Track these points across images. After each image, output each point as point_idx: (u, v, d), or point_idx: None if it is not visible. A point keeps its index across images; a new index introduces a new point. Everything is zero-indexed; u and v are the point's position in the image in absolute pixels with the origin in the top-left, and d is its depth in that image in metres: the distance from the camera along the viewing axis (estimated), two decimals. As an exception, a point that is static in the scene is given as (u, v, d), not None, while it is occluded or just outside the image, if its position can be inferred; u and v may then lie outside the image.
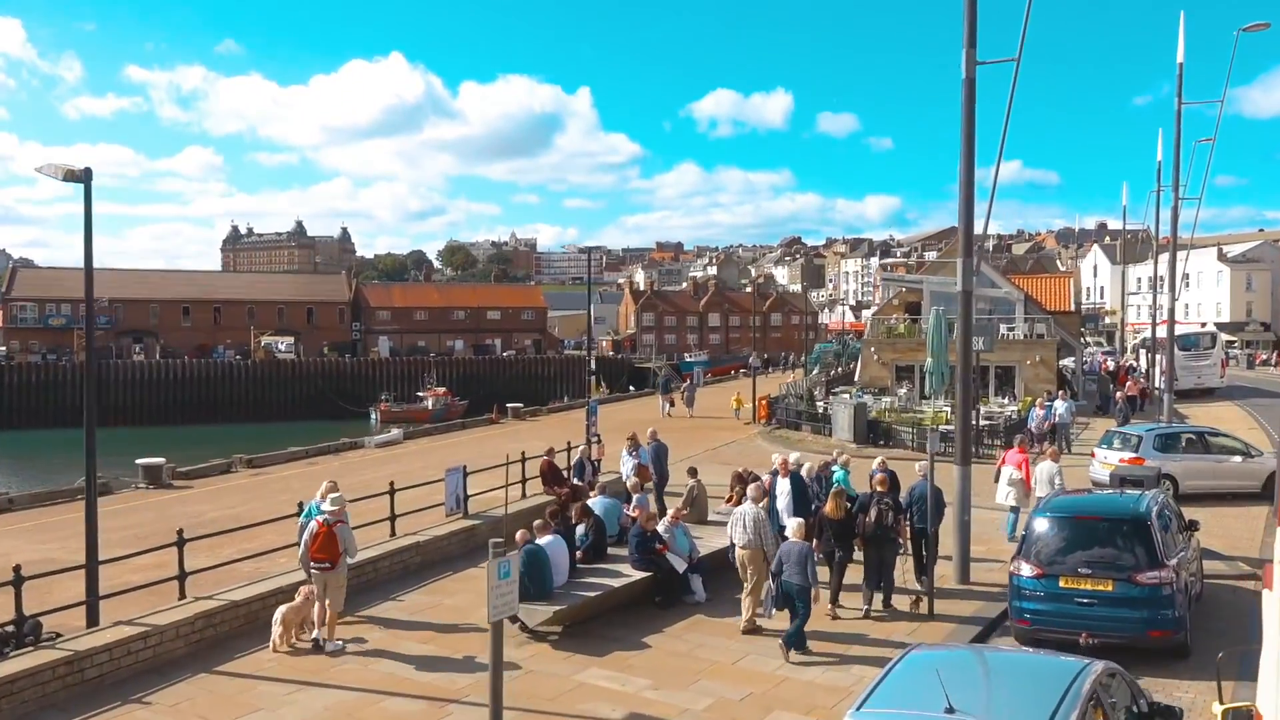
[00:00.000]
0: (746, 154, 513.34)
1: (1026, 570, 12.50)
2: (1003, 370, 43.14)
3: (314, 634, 12.82)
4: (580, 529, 14.98)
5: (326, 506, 13.49)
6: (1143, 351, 60.58)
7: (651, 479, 17.95)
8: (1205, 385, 52.97)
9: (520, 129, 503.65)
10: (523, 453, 21.36)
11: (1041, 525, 12.78)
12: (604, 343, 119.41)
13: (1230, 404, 49.57)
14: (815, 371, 63.34)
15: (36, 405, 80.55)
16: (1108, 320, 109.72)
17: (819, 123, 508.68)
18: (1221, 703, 6.59)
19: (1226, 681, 7.06)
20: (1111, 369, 58.93)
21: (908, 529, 16.04)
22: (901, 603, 14.79)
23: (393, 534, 16.57)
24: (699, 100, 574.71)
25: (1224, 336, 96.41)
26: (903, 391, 42.59)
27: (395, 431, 34.44)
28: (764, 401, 37.76)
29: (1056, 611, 12.16)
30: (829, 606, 14.53)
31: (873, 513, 15.38)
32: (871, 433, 31.86)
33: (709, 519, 18.04)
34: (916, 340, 43.91)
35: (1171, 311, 32.79)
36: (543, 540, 13.44)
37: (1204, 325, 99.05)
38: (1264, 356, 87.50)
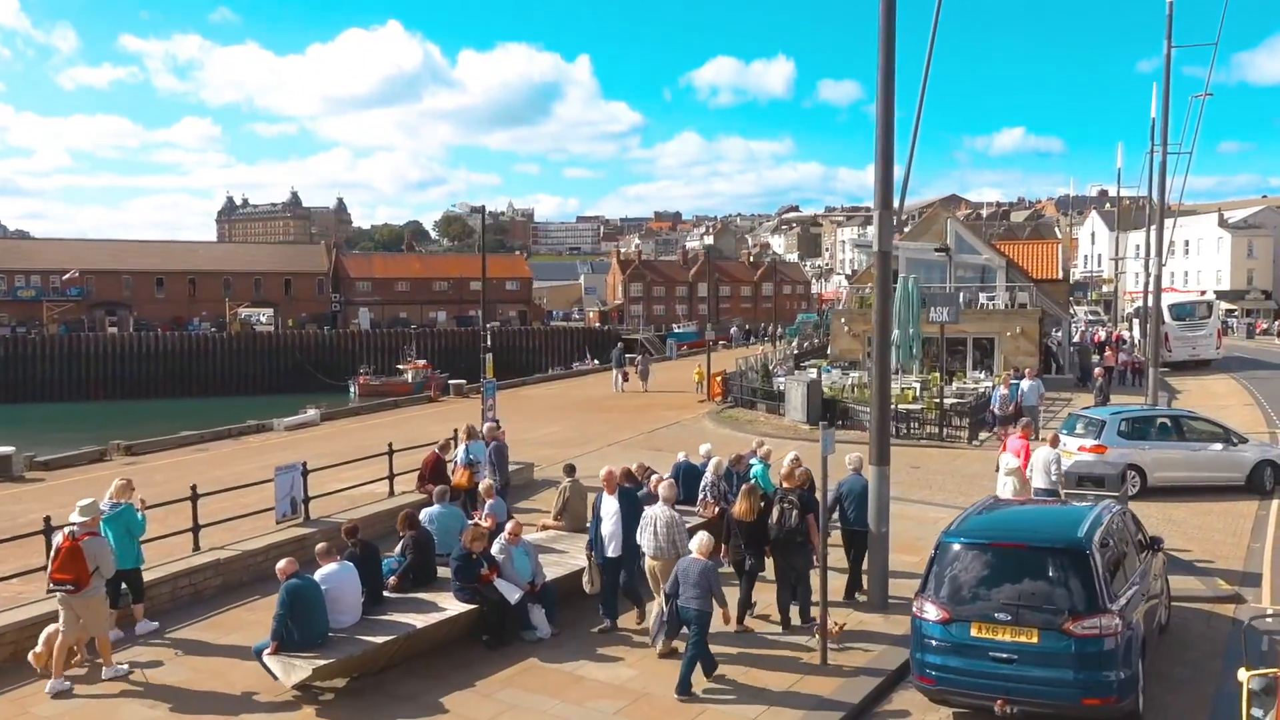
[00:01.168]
0: (748, 122, 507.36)
1: (931, 613, 9.52)
2: (982, 343, 40.04)
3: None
4: (400, 546, 12.06)
5: (76, 517, 10.78)
6: (1135, 321, 57.42)
7: (483, 482, 14.81)
8: (1201, 357, 49.84)
9: (520, 98, 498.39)
10: (389, 444, 18.38)
11: (951, 552, 9.78)
12: (591, 314, 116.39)
13: (1226, 377, 46.43)
14: (794, 343, 60.39)
15: (3, 379, 78.05)
16: (1106, 289, 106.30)
17: (820, 90, 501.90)
18: (1249, 668, 6.00)
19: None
20: (1104, 339, 55.91)
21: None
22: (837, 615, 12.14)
23: (195, 548, 13.63)
24: (699, 68, 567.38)
25: (1223, 305, 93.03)
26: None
27: (311, 412, 31.48)
28: (717, 378, 34.71)
29: (966, 669, 9.20)
30: (735, 625, 12.19)
31: (775, 513, 12.76)
32: (827, 413, 28.81)
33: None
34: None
35: (1158, 278, 29.67)
36: (323, 570, 10.51)
37: (1203, 293, 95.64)
38: (1265, 326, 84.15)
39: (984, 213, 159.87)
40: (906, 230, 50.03)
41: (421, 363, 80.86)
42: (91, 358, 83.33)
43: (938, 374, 38.27)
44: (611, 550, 12.05)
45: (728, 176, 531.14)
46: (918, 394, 31.87)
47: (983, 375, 37.71)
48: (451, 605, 11.29)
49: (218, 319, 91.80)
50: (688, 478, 16.59)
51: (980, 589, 9.40)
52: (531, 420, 30.84)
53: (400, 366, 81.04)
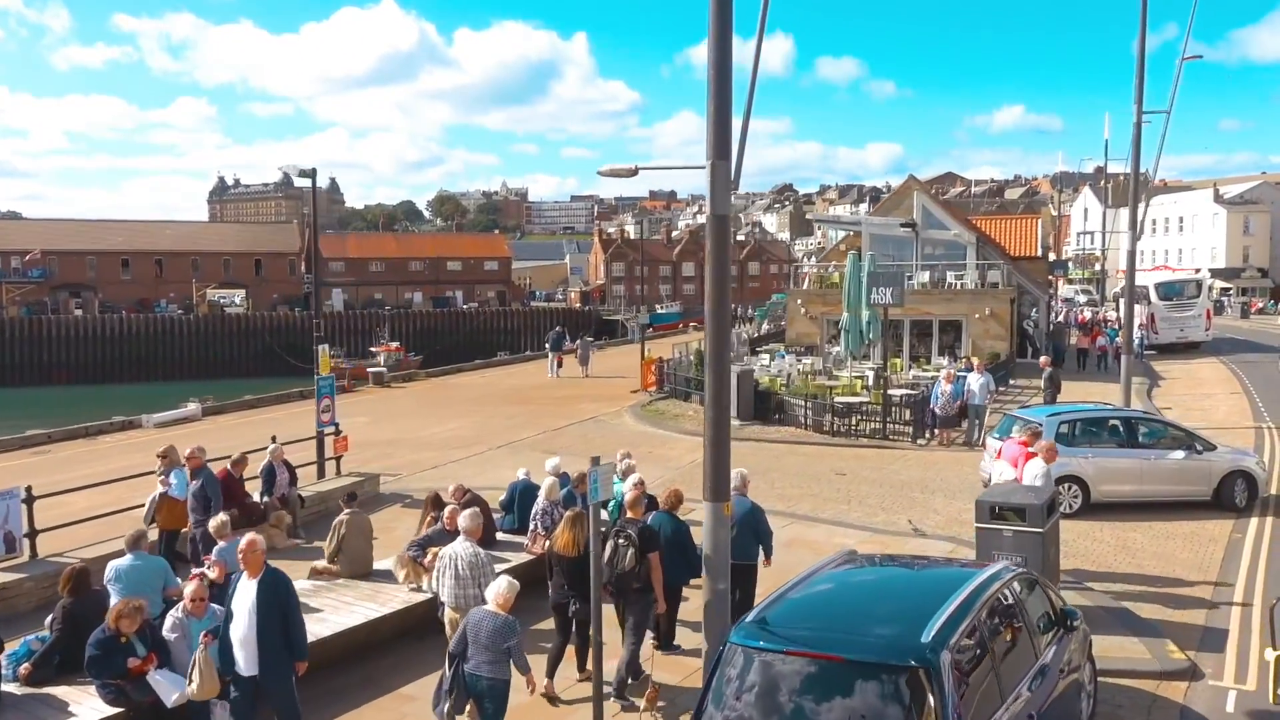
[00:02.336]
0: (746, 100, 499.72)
1: (704, 752, 6.28)
2: (949, 326, 36.67)
3: None
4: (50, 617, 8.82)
5: None
6: (1121, 300, 53.94)
7: (214, 520, 11.28)
8: (1189, 339, 46.43)
9: (516, 77, 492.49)
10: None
11: (736, 662, 6.50)
12: (573, 294, 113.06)
13: (1215, 360, 43.04)
14: (762, 324, 57.04)
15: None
16: (1099, 267, 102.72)
17: (819, 68, 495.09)
18: (1275, 649, 5.61)
19: None
20: (1089, 319, 52.52)
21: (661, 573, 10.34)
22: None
23: None
24: (696, 46, 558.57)
25: (1217, 283, 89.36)
26: (835, 350, 36.22)
27: (191, 406, 28.26)
28: (649, 365, 31.37)
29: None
30: (546, 683, 9.60)
31: (607, 549, 10.01)
32: (762, 407, 25.55)
33: (375, 570, 11.87)
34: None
35: (1132, 254, 26.23)
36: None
37: (1198, 271, 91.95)
38: (1260, 305, 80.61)
39: (976, 190, 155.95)
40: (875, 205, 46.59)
41: (394, 345, 77.79)
42: (54, 341, 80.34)
43: (899, 360, 35.11)
44: (244, 662, 7.95)
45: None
46: (870, 383, 28.58)
47: (947, 361, 34.37)
48: (88, 710, 8.04)
49: (185, 301, 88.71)
50: (525, 501, 13.38)
51: (775, 717, 6.13)
52: (435, 414, 27.64)
53: (373, 349, 78.20)
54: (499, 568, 11.72)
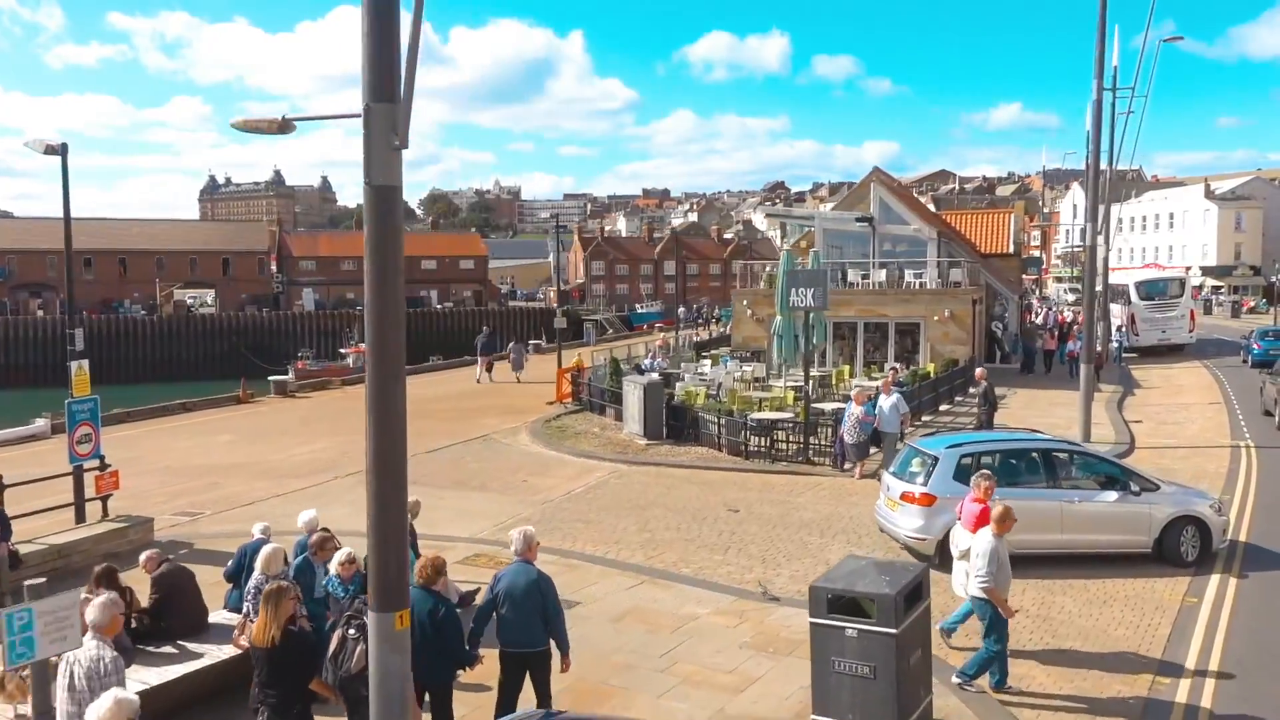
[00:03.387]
0: (743, 99, 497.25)
1: None
2: (906, 329, 33.51)
3: None
4: None
5: None
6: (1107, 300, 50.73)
7: None
8: (1172, 341, 43.26)
9: (512, 75, 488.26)
10: None
11: None
12: (551, 293, 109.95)
13: (1197, 365, 39.85)
14: (726, 325, 53.90)
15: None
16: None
17: (815, 66, 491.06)
18: None
19: None
20: (1069, 320, 49.35)
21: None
22: None
23: None
24: (693, 44, 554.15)
25: (1209, 281, 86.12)
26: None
27: (39, 423, 25.10)
28: (564, 374, 28.19)
29: None
30: None
31: (333, 641, 7.73)
32: (676, 425, 22.38)
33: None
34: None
35: (1092, 249, 22.98)
36: None
37: (1188, 269, 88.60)
38: (1252, 303, 77.33)
39: (967, 187, 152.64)
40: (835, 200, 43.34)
41: (364, 346, 74.79)
42: (11, 342, 77.54)
43: (848, 367, 31.97)
44: None
45: (724, 154, 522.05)
46: (809, 395, 25.46)
47: (900, 368, 31.19)
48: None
49: (149, 301, 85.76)
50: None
51: None
52: (311, 432, 24.60)
53: (342, 350, 75.47)
54: (170, 672, 8.62)
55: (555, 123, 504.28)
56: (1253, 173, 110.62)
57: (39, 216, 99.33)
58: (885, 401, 18.26)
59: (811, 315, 29.85)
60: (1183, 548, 13.09)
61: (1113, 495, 13.02)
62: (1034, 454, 13.41)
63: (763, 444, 20.74)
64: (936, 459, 13.14)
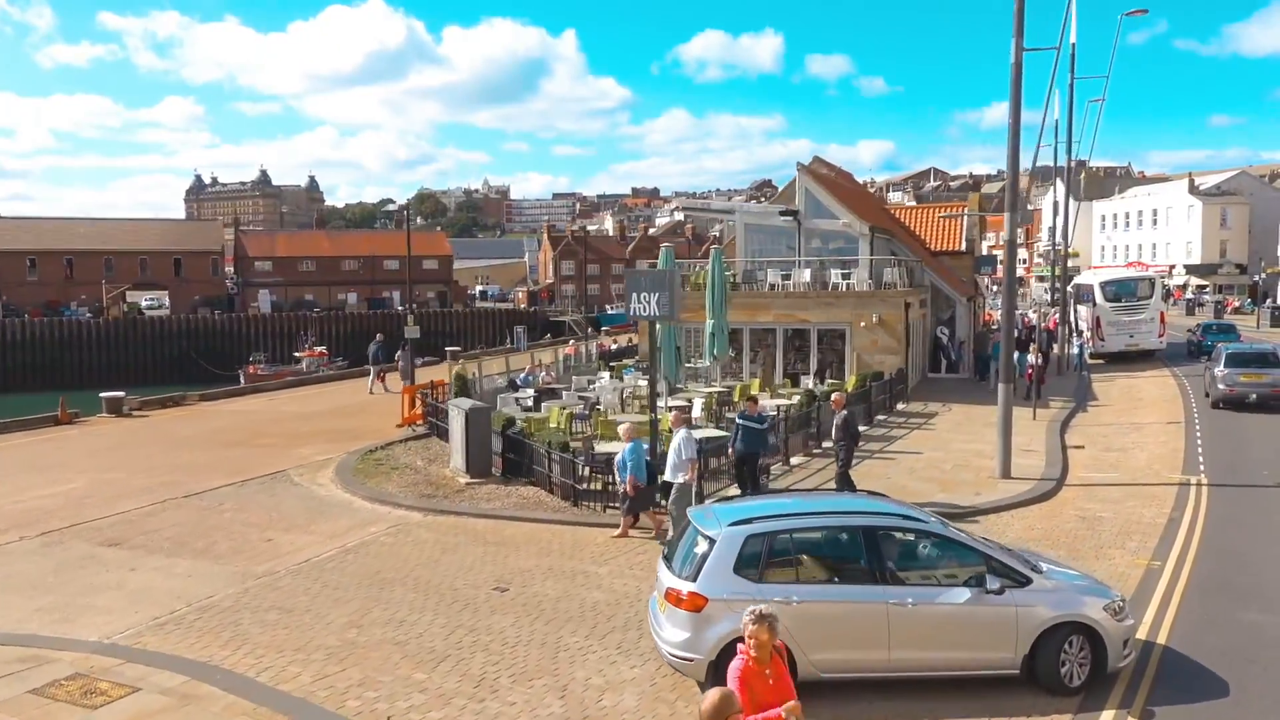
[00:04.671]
0: (737, 98, 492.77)
1: None
2: (831, 336, 29.44)
3: None
4: None
5: None
6: (1073, 302, 46.67)
7: None
8: (1140, 346, 39.17)
9: (506, 74, 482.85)
10: None
11: None
12: (520, 294, 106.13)
13: (1167, 373, 35.77)
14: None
15: None
16: (1071, 262, 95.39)
17: (809, 65, 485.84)
18: None
19: None
20: (1034, 324, 45.16)
21: None
22: None
23: None
24: (687, 42, 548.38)
25: (1193, 280, 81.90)
26: (699, 364, 29.10)
27: None
28: (413, 393, 24.08)
29: None
30: None
31: None
32: (515, 459, 18.26)
33: None
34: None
35: (1012, 243, 18.80)
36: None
37: (1172, 268, 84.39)
38: (1236, 303, 73.17)
39: (953, 184, 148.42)
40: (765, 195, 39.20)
41: (319, 349, 71.26)
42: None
43: (757, 381, 27.92)
44: None
45: (718, 154, 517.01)
46: (656, 421, 21.48)
47: (814, 383, 27.11)
48: None
49: (97, 304, 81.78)
50: None
51: None
52: (88, 465, 20.53)
53: (297, 354, 71.59)
54: None
55: (550, 122, 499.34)
56: (1240, 168, 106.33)
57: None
58: (680, 436, 14.08)
59: (711, 322, 25.90)
60: (1064, 668, 9.01)
61: (964, 594, 8.93)
62: (853, 534, 9.30)
63: (606, 483, 16.68)
64: (713, 541, 9.07)
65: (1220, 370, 27.21)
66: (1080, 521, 15.47)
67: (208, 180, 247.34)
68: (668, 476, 13.84)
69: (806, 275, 30.04)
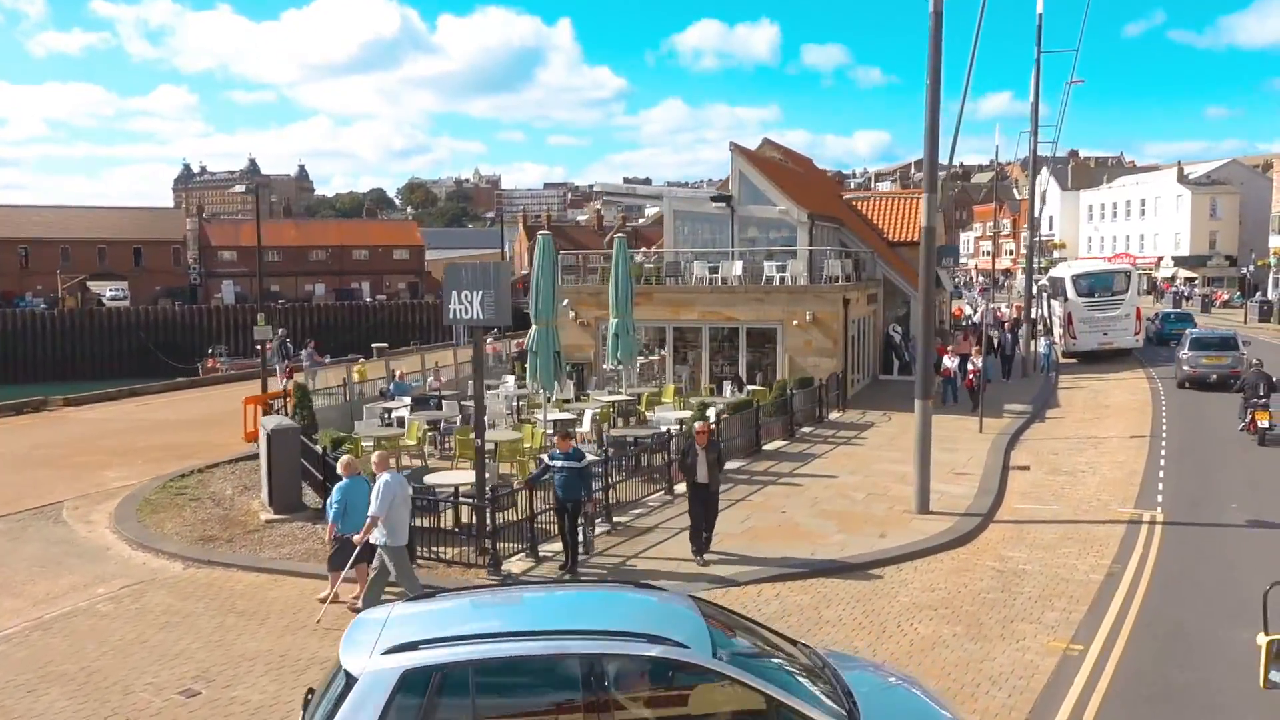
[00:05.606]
0: (733, 88, 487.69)
1: None
2: (763, 336, 26.24)
3: None
4: None
5: None
6: (1046, 297, 43.48)
7: None
8: (1115, 345, 35.96)
9: (501, 63, 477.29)
10: None
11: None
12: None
13: (1142, 375, 32.61)
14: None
15: None
16: (1057, 254, 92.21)
17: (804, 55, 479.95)
18: (1267, 634, 5.19)
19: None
20: (1009, 319, 41.92)
21: None
22: None
23: None
24: (682, 32, 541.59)
25: (1181, 273, 78.56)
26: (616, 368, 25.94)
27: None
28: (256, 404, 20.87)
29: None
30: None
31: None
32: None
33: None
34: (636, 287, 26.98)
35: (930, 231, 15.62)
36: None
37: (1160, 260, 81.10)
38: (1225, 297, 69.86)
39: (941, 173, 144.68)
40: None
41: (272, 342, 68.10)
42: None
43: (672, 386, 24.72)
44: None
45: (714, 144, 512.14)
46: (550, 432, 18.26)
47: (731, 394, 23.92)
48: None
49: (51, 294, 78.62)
50: None
51: None
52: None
53: (258, 347, 68.35)
54: None
55: (545, 112, 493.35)
56: (1231, 158, 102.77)
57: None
58: (383, 481, 10.72)
59: (615, 321, 22.75)
60: None
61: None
62: (567, 667, 6.10)
63: (436, 523, 13.51)
64: (351, 681, 5.89)
65: (1185, 353, 29.49)
66: (996, 578, 12.31)
67: (196, 169, 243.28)
68: (379, 539, 10.58)
69: (738, 268, 26.81)
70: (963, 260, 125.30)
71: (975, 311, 48.31)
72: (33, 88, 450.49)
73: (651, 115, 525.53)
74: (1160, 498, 16.24)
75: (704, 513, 12.72)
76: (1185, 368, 28.91)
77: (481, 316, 13.08)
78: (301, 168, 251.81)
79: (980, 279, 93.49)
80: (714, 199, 27.93)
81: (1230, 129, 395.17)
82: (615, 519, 14.53)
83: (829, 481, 17.36)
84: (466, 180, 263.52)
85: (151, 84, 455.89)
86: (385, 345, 45.12)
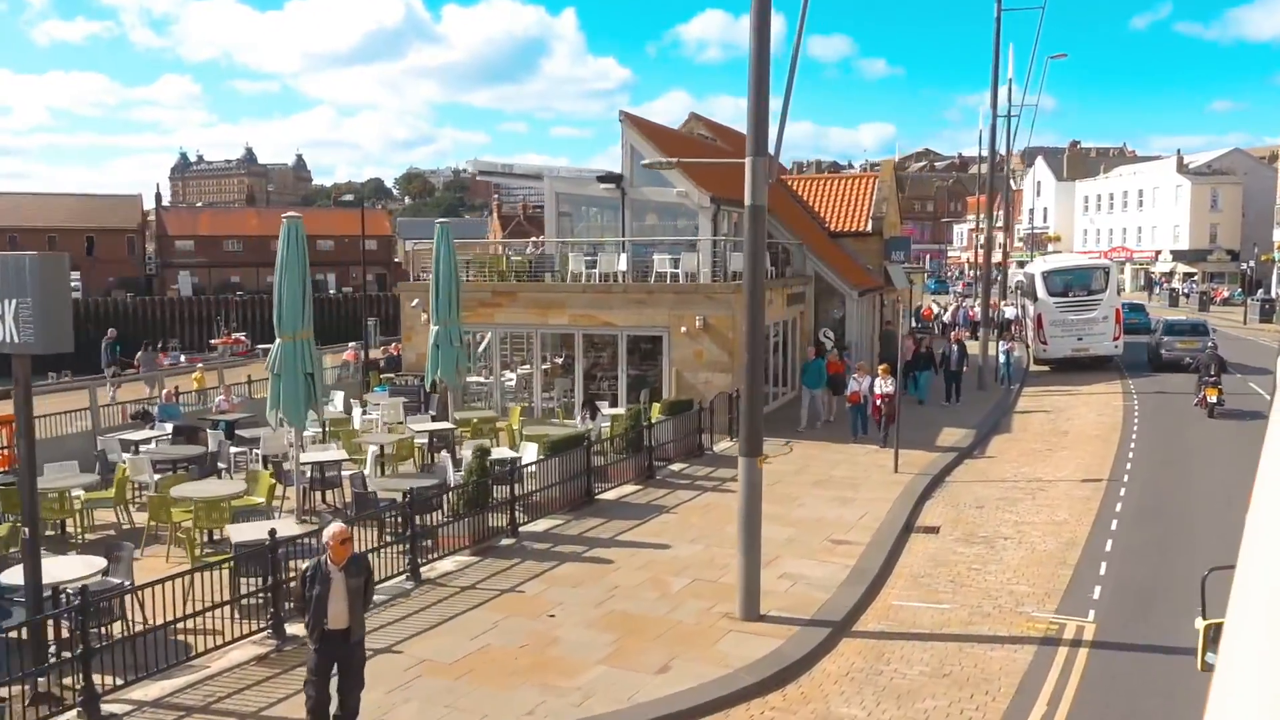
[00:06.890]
0: (737, 80, 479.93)
1: None
2: (645, 344, 21.36)
3: None
4: None
5: None
6: (1021, 295, 38.45)
7: None
8: (1091, 351, 30.93)
9: (505, 54, 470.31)
10: None
11: None
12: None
13: (1116, 389, 27.63)
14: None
15: None
16: (1051, 246, 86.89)
17: (810, 46, 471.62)
18: (1205, 618, 5.17)
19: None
20: (979, 319, 36.80)
21: None
22: None
23: None
24: (686, 22, 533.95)
25: (1180, 267, 73.31)
26: (486, 379, 21.09)
27: None
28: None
29: None
30: None
31: None
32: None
33: None
34: (503, 285, 22.10)
35: (757, 205, 10.79)
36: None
37: (1158, 254, 75.75)
38: (1225, 293, 64.51)
39: (938, 165, 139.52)
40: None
41: (238, 335, 63.75)
42: None
43: (518, 408, 19.82)
44: None
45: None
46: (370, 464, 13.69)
47: (580, 419, 19.05)
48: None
49: (-4, 284, 74.31)
50: None
51: None
52: None
53: (213, 341, 64.21)
54: None
55: (549, 103, 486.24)
56: (1234, 148, 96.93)
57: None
58: None
59: (436, 331, 18.08)
60: None
61: None
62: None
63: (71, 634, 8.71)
64: None
65: (1161, 338, 31.20)
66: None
67: (194, 158, 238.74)
68: None
69: (622, 262, 21.91)
70: (954, 253, 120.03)
71: (946, 311, 43.30)
72: (36, 77, 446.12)
73: (655, 107, 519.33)
74: (1097, 592, 11.34)
75: (340, 681, 7.69)
76: (1162, 351, 30.49)
77: (18, 339, 8.25)
78: (299, 157, 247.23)
79: (968, 273, 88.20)
80: (601, 179, 23.01)
81: (1236, 122, 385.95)
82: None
83: (653, 556, 12.53)
84: (464, 171, 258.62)
85: (155, 73, 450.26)
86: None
